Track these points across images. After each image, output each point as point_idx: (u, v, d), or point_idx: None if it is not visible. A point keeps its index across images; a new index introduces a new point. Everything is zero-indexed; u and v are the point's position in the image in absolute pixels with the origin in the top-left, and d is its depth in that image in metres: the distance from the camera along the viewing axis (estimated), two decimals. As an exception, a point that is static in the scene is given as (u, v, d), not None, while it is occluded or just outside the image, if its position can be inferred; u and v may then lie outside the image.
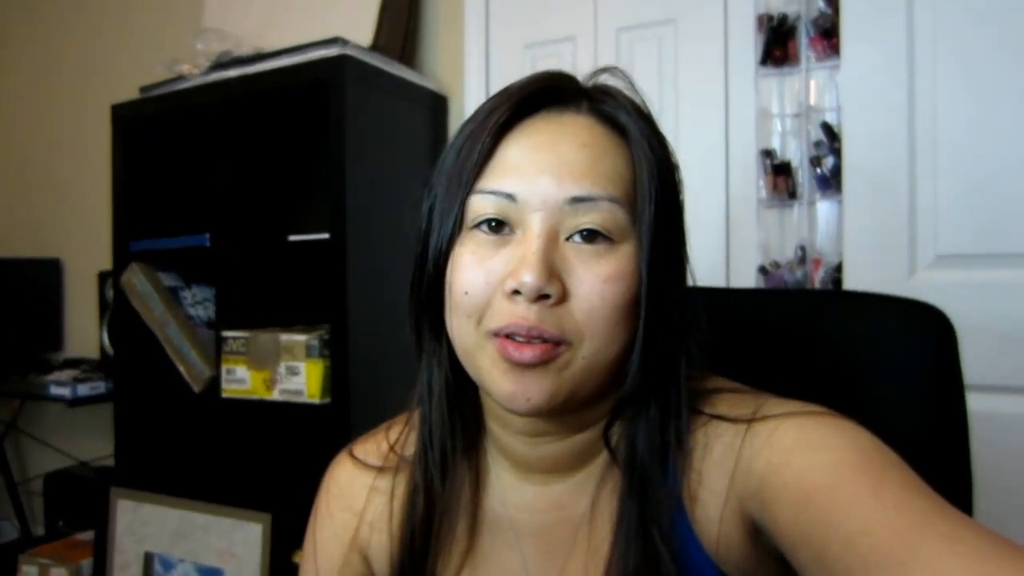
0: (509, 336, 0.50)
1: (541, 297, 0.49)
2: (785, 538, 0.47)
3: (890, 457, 0.47)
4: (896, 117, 1.34)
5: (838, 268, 1.41)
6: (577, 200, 0.50)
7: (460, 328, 0.53)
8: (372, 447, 0.67)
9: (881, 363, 0.68)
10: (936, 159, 1.32)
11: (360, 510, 0.64)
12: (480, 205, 0.52)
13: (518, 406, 0.51)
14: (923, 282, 1.32)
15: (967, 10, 1.28)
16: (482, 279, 0.51)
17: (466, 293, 0.52)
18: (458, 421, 0.60)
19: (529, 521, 0.59)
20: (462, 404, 0.60)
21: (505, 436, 0.59)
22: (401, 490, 0.62)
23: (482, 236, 0.52)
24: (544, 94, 0.54)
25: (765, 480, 0.49)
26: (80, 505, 2.23)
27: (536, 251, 0.49)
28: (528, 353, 0.49)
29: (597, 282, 0.50)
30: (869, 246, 1.36)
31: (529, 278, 0.48)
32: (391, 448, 0.64)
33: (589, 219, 0.50)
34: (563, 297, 0.50)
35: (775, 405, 0.53)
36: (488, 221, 0.52)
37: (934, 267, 1.32)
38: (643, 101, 0.57)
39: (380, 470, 0.64)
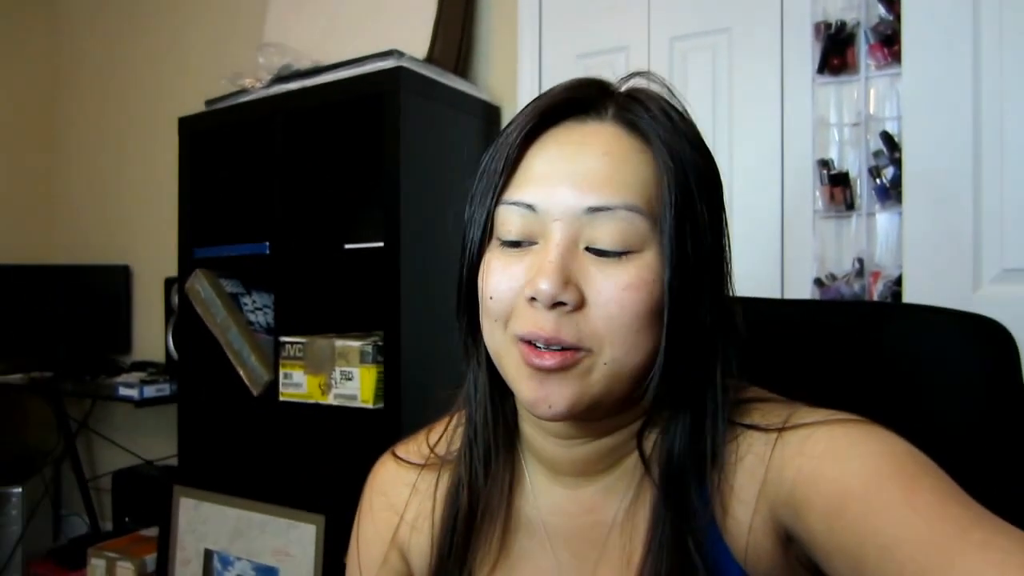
0: (531, 343, 0.51)
1: (558, 304, 0.50)
2: (819, 547, 0.47)
3: (923, 463, 0.46)
4: (960, 125, 1.30)
5: (898, 282, 1.37)
6: (594, 209, 0.50)
7: (489, 331, 0.55)
8: (414, 448, 0.68)
9: (940, 378, 0.66)
10: (1003, 168, 1.27)
11: (401, 509, 0.66)
12: (505, 216, 0.53)
13: (540, 412, 0.51)
14: (988, 297, 1.27)
15: (1037, 13, 1.24)
16: (505, 284, 0.52)
17: (491, 298, 0.53)
18: (501, 420, 0.61)
19: (561, 524, 0.60)
20: (503, 404, 0.62)
21: (537, 438, 0.60)
22: (442, 490, 0.63)
23: (507, 248, 0.54)
24: (570, 103, 0.55)
25: (797, 489, 0.49)
26: (145, 502, 2.32)
27: (553, 260, 0.50)
28: (548, 360, 0.50)
29: (616, 290, 0.50)
30: (931, 259, 1.32)
31: (545, 285, 0.49)
32: (432, 449, 0.66)
33: (607, 229, 0.50)
34: (580, 304, 0.50)
35: (806, 413, 0.52)
36: (511, 243, 0.53)
37: (1000, 281, 1.27)
38: (681, 104, 0.56)
39: (422, 469, 0.66)
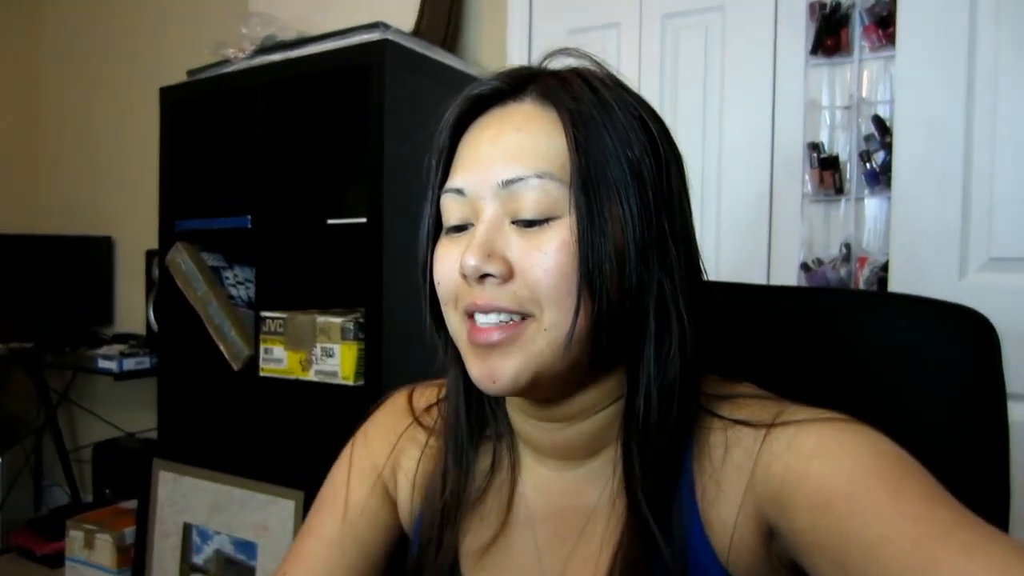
0: (473, 317, 0.53)
1: (486, 276, 0.51)
2: (803, 544, 0.47)
3: (910, 464, 0.46)
4: (953, 111, 1.28)
5: (884, 267, 1.36)
6: (508, 182, 0.52)
7: (447, 316, 0.57)
8: (425, 399, 0.70)
9: (919, 368, 0.66)
10: (993, 157, 1.26)
11: (395, 447, 0.68)
12: (445, 204, 0.56)
13: (486, 386, 0.53)
14: (974, 285, 1.26)
15: (1034, -2, 1.22)
16: (448, 267, 0.54)
17: (439, 283, 0.56)
18: (474, 411, 0.63)
19: (544, 504, 0.61)
20: (478, 393, 0.62)
21: (520, 420, 0.61)
22: (430, 453, 0.65)
23: (450, 235, 0.56)
24: (495, 90, 0.56)
25: (784, 485, 0.49)
26: (126, 474, 2.32)
27: (478, 235, 0.52)
28: (488, 335, 0.52)
29: (538, 255, 0.51)
30: (918, 246, 1.31)
31: (468, 260, 0.51)
32: (437, 404, 0.68)
33: (523, 200, 0.52)
34: (509, 275, 0.51)
35: (796, 411, 0.52)
36: (452, 228, 0.56)
37: (987, 270, 1.26)
38: (607, 74, 0.57)
39: (417, 423, 0.68)
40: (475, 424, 0.63)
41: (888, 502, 0.43)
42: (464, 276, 0.52)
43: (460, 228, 0.55)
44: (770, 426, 0.52)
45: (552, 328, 0.51)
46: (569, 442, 0.59)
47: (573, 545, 0.58)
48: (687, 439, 0.55)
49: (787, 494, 0.48)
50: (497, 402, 0.63)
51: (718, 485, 0.53)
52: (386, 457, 0.68)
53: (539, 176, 0.51)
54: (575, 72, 0.56)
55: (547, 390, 0.55)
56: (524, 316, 0.51)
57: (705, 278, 0.58)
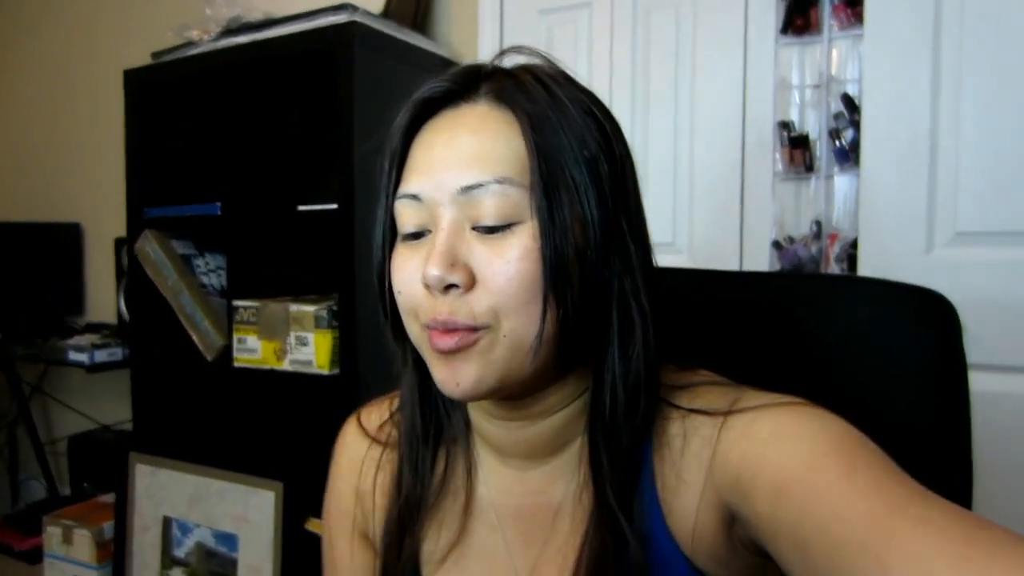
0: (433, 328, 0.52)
1: (450, 287, 0.50)
2: (764, 529, 0.48)
3: (864, 444, 0.47)
4: (919, 89, 1.29)
5: (854, 244, 1.38)
6: (468, 188, 0.51)
7: (407, 326, 0.56)
8: (376, 416, 0.70)
9: (881, 350, 0.66)
10: (959, 134, 1.27)
11: (361, 477, 0.68)
12: (400, 210, 0.54)
13: (449, 391, 0.53)
14: (941, 260, 1.28)
15: (999, -25, 1.22)
16: (409, 277, 0.53)
17: (400, 292, 0.55)
18: (430, 415, 0.63)
19: (509, 504, 0.61)
20: (433, 399, 0.62)
21: (482, 421, 0.61)
22: (388, 467, 0.65)
23: (407, 242, 0.55)
24: (445, 94, 0.55)
25: (742, 472, 0.49)
26: (103, 467, 2.29)
27: (438, 244, 0.51)
28: (448, 340, 0.51)
29: (501, 263, 0.50)
30: (886, 222, 1.32)
31: (432, 271, 0.50)
32: (391, 417, 0.68)
33: (484, 206, 0.51)
34: (471, 284, 0.51)
35: (752, 397, 0.53)
36: (409, 235, 0.54)
37: (953, 245, 1.28)
38: (560, 70, 0.56)
39: (373, 441, 0.68)
40: (431, 429, 0.63)
41: (843, 480, 0.44)
42: (426, 286, 0.51)
43: (416, 235, 0.54)
44: (727, 414, 0.52)
45: (511, 334, 0.51)
46: (533, 440, 0.59)
47: (542, 543, 0.58)
48: (647, 430, 0.55)
49: (746, 480, 0.49)
50: (453, 405, 0.63)
51: (678, 475, 0.54)
52: (353, 499, 0.68)
53: (499, 181, 0.50)
54: (527, 71, 0.55)
55: (512, 392, 0.55)
56: (475, 329, 0.51)
57: (656, 267, 0.58)
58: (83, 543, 1.94)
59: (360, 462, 0.68)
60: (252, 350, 1.61)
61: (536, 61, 0.57)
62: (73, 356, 2.18)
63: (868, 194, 1.34)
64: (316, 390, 1.52)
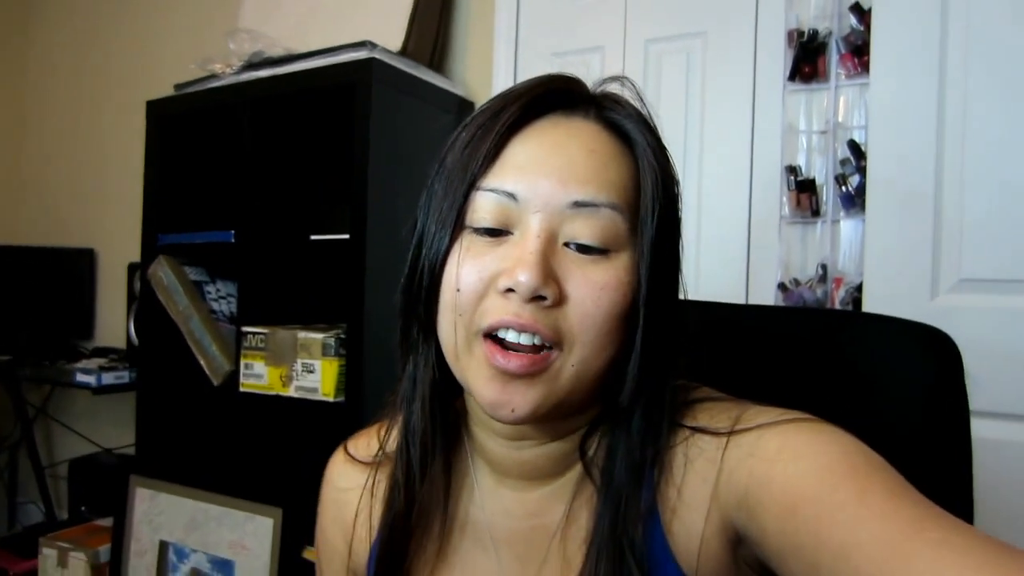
0: (497, 338, 0.50)
1: (537, 299, 0.48)
2: (773, 549, 0.46)
3: (875, 461, 0.46)
4: (924, 137, 1.32)
5: (859, 288, 1.39)
6: (580, 204, 0.50)
7: (449, 327, 0.52)
8: (363, 443, 0.67)
9: (888, 386, 0.67)
10: (963, 181, 1.29)
11: (349, 508, 0.65)
12: (480, 203, 0.52)
13: (502, 415, 0.50)
14: (945, 306, 1.29)
15: (1001, 30, 1.26)
16: (475, 276, 0.50)
17: (458, 290, 0.51)
18: (439, 422, 0.59)
19: (505, 526, 0.59)
20: (445, 405, 0.60)
21: (485, 439, 0.59)
22: (381, 488, 0.62)
23: (478, 237, 0.52)
24: (554, 96, 0.54)
25: (749, 491, 0.48)
26: (103, 491, 2.28)
27: (534, 251, 0.49)
28: (515, 363, 0.49)
29: (593, 289, 0.49)
30: (891, 267, 1.33)
31: (525, 277, 0.47)
32: (381, 446, 0.64)
33: (589, 226, 0.50)
34: (559, 301, 0.49)
35: (756, 414, 0.52)
36: (484, 229, 0.51)
37: (957, 291, 1.29)
38: (649, 113, 0.56)
39: (362, 465, 0.65)
40: (436, 439, 0.59)
41: (856, 502, 0.43)
42: (508, 290, 0.49)
43: (494, 232, 0.51)
44: (731, 433, 0.51)
45: (579, 364, 0.50)
46: (537, 461, 0.57)
47: (538, 567, 0.57)
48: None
49: (753, 499, 0.48)
50: (457, 415, 0.62)
51: (679, 495, 0.52)
52: (339, 536, 0.66)
53: (612, 207, 0.50)
54: (631, 105, 0.56)
55: (553, 417, 0.53)
56: (551, 347, 0.49)
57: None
58: (78, 566, 1.92)
59: (346, 492, 0.65)
60: (259, 376, 1.62)
61: (627, 95, 0.57)
62: (80, 378, 2.19)
63: (873, 239, 1.36)
64: (320, 417, 1.52)
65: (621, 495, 0.53)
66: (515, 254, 0.49)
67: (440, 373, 0.57)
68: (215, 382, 1.76)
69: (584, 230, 0.50)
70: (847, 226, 1.43)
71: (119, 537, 1.81)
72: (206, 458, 1.83)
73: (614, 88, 0.58)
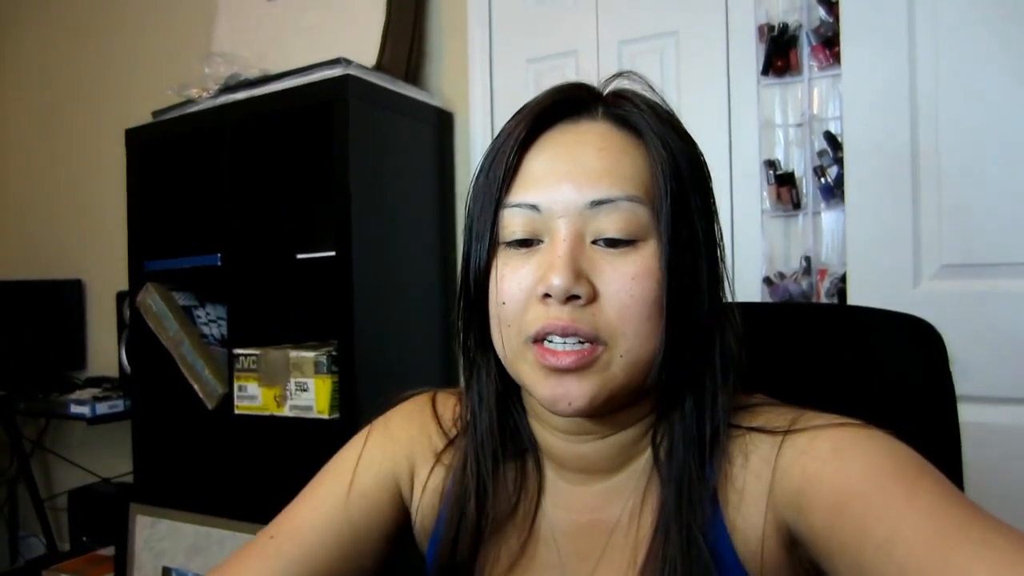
0: (545, 341, 0.52)
1: (571, 298, 0.51)
2: (821, 546, 0.47)
3: (925, 466, 0.47)
4: (898, 125, 1.33)
5: (844, 279, 1.40)
6: (597, 203, 0.52)
7: (503, 338, 0.55)
8: (450, 408, 0.68)
9: (873, 378, 0.68)
10: (939, 168, 1.30)
11: (416, 450, 0.65)
12: (509, 219, 0.54)
13: (561, 409, 0.52)
14: (928, 292, 1.30)
15: (969, 16, 1.27)
16: (516, 288, 0.53)
17: (504, 303, 0.54)
18: (508, 428, 0.62)
19: (565, 520, 0.60)
20: (511, 411, 0.62)
21: (546, 435, 0.60)
22: (446, 469, 0.63)
23: (513, 250, 0.55)
24: (560, 106, 0.56)
25: (801, 489, 0.49)
26: (103, 521, 2.27)
27: (562, 254, 0.51)
28: (566, 359, 0.51)
29: (625, 280, 0.51)
30: (873, 256, 1.34)
31: (557, 280, 0.50)
32: (455, 422, 0.66)
33: (611, 220, 0.52)
34: (593, 297, 0.51)
35: (812, 417, 0.53)
36: (517, 241, 0.54)
37: (939, 277, 1.30)
38: (662, 100, 0.58)
39: (441, 430, 0.66)
40: (504, 446, 0.61)
41: (903, 501, 0.44)
42: (545, 295, 0.51)
43: (526, 243, 0.54)
44: (786, 432, 0.53)
45: (627, 354, 0.51)
46: (598, 455, 0.58)
47: (595, 563, 0.58)
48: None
49: (804, 497, 0.49)
50: (523, 420, 0.62)
51: (740, 492, 0.53)
52: (405, 456, 0.65)
53: (629, 199, 0.52)
54: (635, 94, 0.57)
55: (611, 407, 0.54)
56: (595, 342, 0.51)
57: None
58: (83, 598, 1.92)
59: (420, 438, 0.65)
60: (252, 397, 1.62)
61: (638, 88, 0.58)
62: (74, 409, 2.19)
63: (854, 229, 1.37)
64: (316, 435, 1.52)
65: (683, 476, 0.54)
66: (547, 260, 0.52)
67: (502, 383, 0.60)
68: (209, 406, 1.76)
69: (607, 225, 0.52)
70: (828, 217, 1.45)
71: (121, 566, 1.81)
72: (205, 482, 1.83)
73: (621, 84, 0.59)
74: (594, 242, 0.52)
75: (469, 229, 0.58)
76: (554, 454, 0.60)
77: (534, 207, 0.53)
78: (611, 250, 0.52)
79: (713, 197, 0.57)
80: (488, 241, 0.55)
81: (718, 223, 0.57)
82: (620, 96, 0.57)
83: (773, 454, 0.52)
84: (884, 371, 0.69)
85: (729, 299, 0.58)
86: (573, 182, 0.52)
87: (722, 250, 0.57)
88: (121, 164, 1.95)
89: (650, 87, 0.59)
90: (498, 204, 0.55)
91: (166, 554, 1.74)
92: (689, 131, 0.58)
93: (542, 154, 0.55)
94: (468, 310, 0.58)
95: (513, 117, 0.57)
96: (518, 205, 0.54)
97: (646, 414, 0.57)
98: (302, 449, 1.62)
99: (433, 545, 0.63)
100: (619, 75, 0.59)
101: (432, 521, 0.64)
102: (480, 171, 0.58)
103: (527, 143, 0.55)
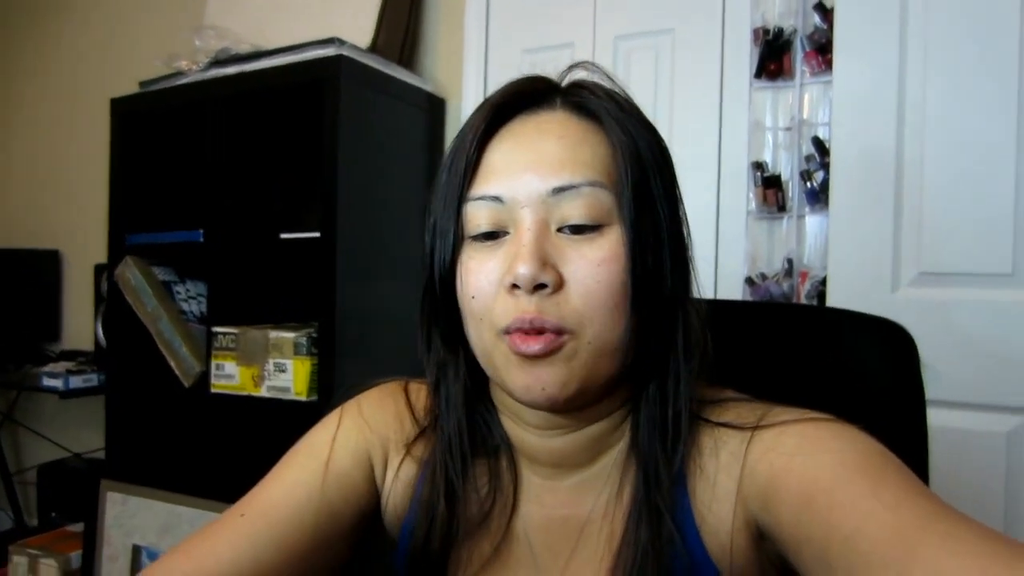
0: (516, 331, 0.51)
1: (539, 287, 0.50)
2: (788, 540, 0.48)
3: (891, 459, 0.48)
4: (885, 134, 1.34)
5: (824, 282, 1.41)
6: (559, 190, 0.52)
7: (476, 332, 0.55)
8: (422, 398, 0.66)
9: (845, 378, 0.69)
10: (922, 177, 1.32)
11: (389, 434, 0.64)
12: (473, 213, 0.54)
13: (535, 397, 0.52)
14: (905, 298, 1.32)
15: (958, 29, 1.29)
16: (484, 281, 0.53)
17: (473, 297, 0.54)
18: (479, 427, 0.62)
19: (538, 515, 0.60)
20: (480, 410, 0.62)
21: (519, 431, 0.60)
22: (417, 459, 0.63)
23: (479, 244, 0.55)
24: (518, 98, 0.56)
25: (769, 483, 0.50)
26: (73, 496, 2.25)
27: (527, 243, 0.51)
28: (535, 345, 0.50)
29: (591, 266, 0.51)
30: (854, 261, 1.36)
31: (523, 269, 0.50)
32: (427, 413, 0.65)
33: (574, 207, 0.52)
34: (560, 285, 0.51)
35: (780, 412, 0.54)
36: (482, 235, 0.54)
37: (916, 284, 1.32)
38: (621, 88, 0.58)
39: (414, 420, 0.65)
40: (474, 446, 0.61)
41: (869, 495, 0.44)
42: (512, 286, 0.51)
43: (491, 235, 0.54)
44: (755, 428, 0.53)
45: (594, 340, 0.51)
46: (569, 449, 0.58)
47: (567, 557, 0.58)
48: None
49: (772, 491, 0.49)
50: (494, 417, 0.62)
51: (709, 488, 0.54)
52: (379, 440, 0.64)
53: (591, 184, 0.52)
54: (594, 84, 0.57)
55: (584, 396, 0.54)
56: (560, 333, 0.51)
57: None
58: (49, 573, 1.89)
59: (392, 423, 0.64)
60: (230, 376, 1.60)
61: (596, 78, 0.58)
62: (47, 382, 2.15)
63: (837, 234, 1.38)
64: (293, 416, 1.51)
65: (649, 459, 0.54)
66: (513, 251, 0.52)
67: (471, 380, 0.60)
68: (186, 383, 1.74)
69: (571, 211, 0.52)
70: (812, 221, 1.46)
71: (91, 542, 1.79)
72: (178, 460, 1.82)
73: (580, 75, 0.59)
74: (559, 230, 0.52)
75: (433, 227, 0.58)
76: (527, 450, 0.60)
77: (497, 199, 0.53)
78: (576, 236, 0.52)
79: (676, 183, 0.57)
80: (452, 237, 0.55)
81: (683, 208, 0.57)
82: (578, 85, 0.57)
83: (742, 450, 0.53)
84: (857, 372, 0.70)
85: (695, 285, 0.58)
86: (534, 171, 0.52)
87: (688, 235, 0.57)
88: (105, 134, 1.92)
89: (608, 77, 0.59)
90: (460, 199, 0.55)
91: (136, 532, 1.72)
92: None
93: (502, 146, 0.55)
94: (434, 309, 0.58)
95: (472, 113, 0.57)
96: (481, 198, 0.54)
97: (618, 406, 0.58)
98: (278, 430, 1.61)
99: (404, 541, 0.62)
100: (576, 65, 0.59)
101: (403, 513, 0.63)
102: (442, 168, 0.58)
103: (487, 136, 0.55)
